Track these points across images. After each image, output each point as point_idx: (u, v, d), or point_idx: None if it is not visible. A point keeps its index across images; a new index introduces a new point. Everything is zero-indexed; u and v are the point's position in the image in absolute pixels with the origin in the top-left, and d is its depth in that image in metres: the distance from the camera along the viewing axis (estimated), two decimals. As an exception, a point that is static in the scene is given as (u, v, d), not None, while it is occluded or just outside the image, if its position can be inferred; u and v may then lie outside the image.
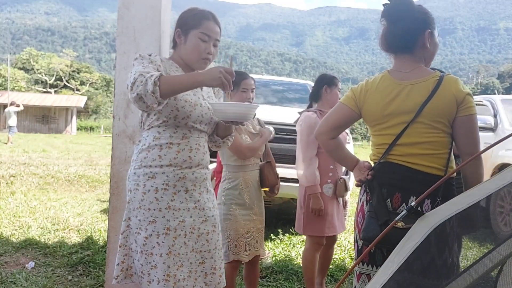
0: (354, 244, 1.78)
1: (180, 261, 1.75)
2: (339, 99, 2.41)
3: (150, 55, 1.75)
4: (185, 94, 1.75)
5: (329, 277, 3.23)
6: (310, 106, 2.95)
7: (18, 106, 16.95)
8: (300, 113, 2.93)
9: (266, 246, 3.87)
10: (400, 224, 1.36)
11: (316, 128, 1.81)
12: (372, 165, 1.74)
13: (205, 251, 1.83)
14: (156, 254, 1.72)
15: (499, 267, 1.07)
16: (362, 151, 20.23)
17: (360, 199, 1.75)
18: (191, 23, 1.81)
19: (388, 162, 1.65)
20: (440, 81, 1.59)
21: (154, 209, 1.72)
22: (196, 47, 1.79)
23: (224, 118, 1.74)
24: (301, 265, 2.90)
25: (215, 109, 1.74)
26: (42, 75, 49.35)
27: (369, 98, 1.69)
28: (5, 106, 33.26)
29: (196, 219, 1.80)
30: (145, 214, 1.73)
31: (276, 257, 3.66)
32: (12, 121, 16.08)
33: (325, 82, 2.84)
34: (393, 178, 1.63)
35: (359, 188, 1.80)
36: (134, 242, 1.77)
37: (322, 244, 2.79)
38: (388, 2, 1.69)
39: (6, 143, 15.54)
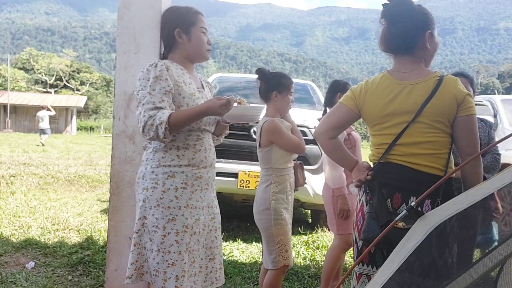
0: (353, 245, 1.77)
1: (193, 257, 1.80)
2: None
3: (156, 66, 1.76)
4: (196, 99, 1.83)
5: (329, 277, 3.23)
6: (325, 112, 3.02)
7: (49, 110, 17.90)
8: (319, 119, 2.98)
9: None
10: (401, 225, 1.36)
11: (315, 129, 1.81)
12: (372, 165, 1.74)
13: (214, 247, 1.90)
14: (174, 252, 1.74)
15: (499, 267, 1.07)
16: (362, 151, 20.18)
17: (360, 200, 1.74)
18: (190, 21, 1.86)
19: (388, 162, 1.65)
20: (440, 81, 1.59)
21: (174, 207, 1.76)
22: (201, 41, 1.88)
23: (234, 120, 1.86)
24: (324, 262, 2.95)
25: (233, 114, 1.80)
26: (42, 75, 49.34)
27: (369, 98, 1.68)
28: (5, 106, 33.37)
29: (207, 216, 1.87)
30: (164, 212, 1.75)
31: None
32: (45, 124, 17.04)
33: (339, 89, 2.92)
34: (393, 179, 1.62)
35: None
36: (149, 241, 1.78)
37: (351, 243, 2.83)
38: (388, 2, 1.69)
39: (43, 145, 16.54)
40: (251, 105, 2.00)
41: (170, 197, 1.75)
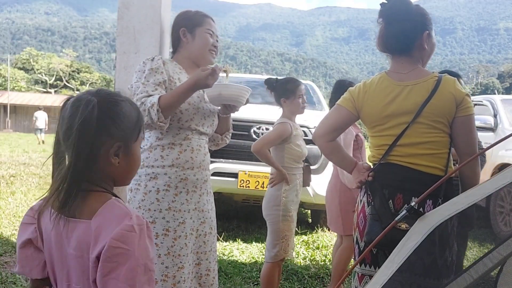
0: (354, 246, 1.77)
1: (181, 262, 1.75)
2: None
3: (152, 60, 1.76)
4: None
5: (328, 277, 3.23)
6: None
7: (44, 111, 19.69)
8: None
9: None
10: (404, 226, 1.36)
11: (314, 132, 1.80)
12: (372, 166, 1.73)
13: (201, 253, 1.84)
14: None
15: (499, 267, 1.07)
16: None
17: (361, 200, 1.73)
18: (196, 21, 1.86)
19: (388, 163, 1.64)
20: (439, 82, 1.60)
21: (155, 210, 1.72)
22: (205, 41, 1.85)
23: (219, 101, 1.79)
24: (332, 261, 2.99)
25: (210, 94, 1.77)
26: (42, 75, 49.36)
27: (368, 99, 1.67)
28: (5, 106, 33.39)
29: (195, 220, 1.81)
30: (145, 214, 1.72)
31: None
32: (43, 124, 18.81)
33: (345, 89, 2.90)
34: (395, 179, 1.61)
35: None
36: None
37: None
38: (386, 2, 1.68)
39: (39, 143, 17.85)
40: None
41: (151, 199, 1.72)
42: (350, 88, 1.77)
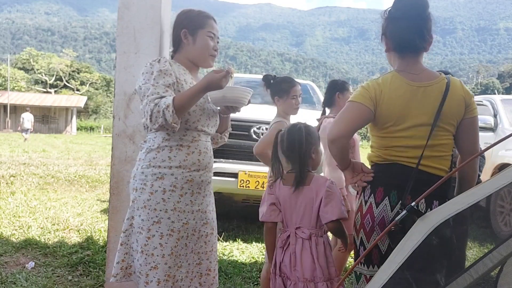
0: (359, 247, 1.74)
1: (180, 262, 1.76)
2: None
3: (159, 62, 1.76)
4: None
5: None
6: (323, 112, 3.01)
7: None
8: (318, 119, 3.00)
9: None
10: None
11: (332, 131, 1.65)
12: (370, 167, 1.72)
13: (202, 253, 1.85)
14: (157, 255, 1.72)
15: (499, 267, 1.07)
16: (362, 151, 20.16)
17: (366, 201, 1.68)
18: (198, 23, 1.84)
19: (398, 164, 1.62)
20: (448, 84, 1.60)
21: (160, 210, 1.73)
22: (206, 45, 1.85)
23: (222, 103, 1.82)
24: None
25: (213, 96, 1.78)
26: (42, 75, 49.34)
27: (384, 99, 1.61)
28: (5, 106, 33.40)
29: (198, 221, 1.82)
30: (150, 214, 1.73)
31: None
32: (29, 124, 20.76)
33: (337, 89, 2.90)
34: (404, 180, 1.59)
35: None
36: (135, 242, 1.77)
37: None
38: None
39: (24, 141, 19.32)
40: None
41: (157, 199, 1.72)
42: (363, 85, 1.69)
